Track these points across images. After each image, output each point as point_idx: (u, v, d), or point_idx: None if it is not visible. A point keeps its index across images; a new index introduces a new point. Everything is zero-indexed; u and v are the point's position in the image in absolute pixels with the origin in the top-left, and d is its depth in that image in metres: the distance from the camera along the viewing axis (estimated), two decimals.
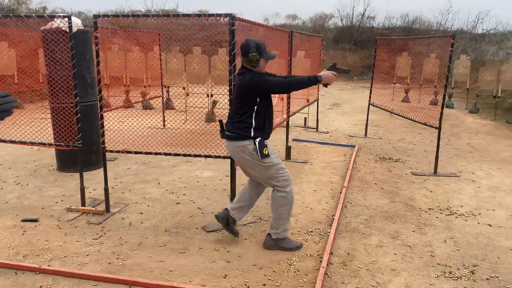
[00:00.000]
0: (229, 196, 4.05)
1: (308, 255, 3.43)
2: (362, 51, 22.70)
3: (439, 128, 5.81)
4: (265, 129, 3.42)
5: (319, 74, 3.43)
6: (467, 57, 20.08)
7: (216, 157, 3.95)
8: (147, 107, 11.01)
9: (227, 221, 3.58)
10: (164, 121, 8.44)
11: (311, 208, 4.43)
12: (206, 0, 38.31)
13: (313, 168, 5.94)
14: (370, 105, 8.36)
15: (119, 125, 5.24)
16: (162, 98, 8.65)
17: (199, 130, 7.69)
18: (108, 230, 3.83)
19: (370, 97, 8.34)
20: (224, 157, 3.87)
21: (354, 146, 7.30)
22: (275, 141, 7.45)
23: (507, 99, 12.25)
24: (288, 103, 6.26)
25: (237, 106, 3.38)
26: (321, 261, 3.27)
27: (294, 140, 7.76)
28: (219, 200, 4.56)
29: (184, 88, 9.42)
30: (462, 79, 13.59)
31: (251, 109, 3.33)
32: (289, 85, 3.42)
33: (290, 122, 9.30)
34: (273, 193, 3.47)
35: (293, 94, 8.98)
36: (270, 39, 5.62)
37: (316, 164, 6.16)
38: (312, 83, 3.40)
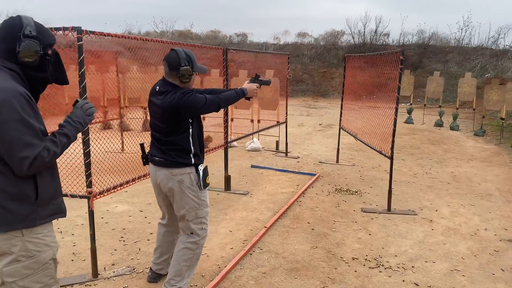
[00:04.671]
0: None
1: None
2: (374, 69, 21.81)
3: (391, 158, 5.01)
4: (202, 153, 2.94)
5: (244, 86, 3.13)
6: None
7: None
8: (125, 128, 10.63)
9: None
10: (122, 144, 7.97)
11: (207, 256, 3.73)
12: (220, 22, 38.67)
13: (249, 202, 5.25)
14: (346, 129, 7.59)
15: None
16: (120, 121, 8.22)
17: None
18: None
19: (340, 120, 7.58)
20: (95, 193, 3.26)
21: (315, 175, 6.54)
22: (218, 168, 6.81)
23: None
24: (226, 126, 5.62)
25: (164, 131, 2.81)
26: None
27: (252, 166, 7.08)
28: (108, 243, 3.95)
29: (145, 109, 9.00)
30: (468, 99, 12.55)
31: (185, 133, 2.81)
32: (220, 103, 2.91)
33: (231, 145, 8.64)
34: (182, 243, 2.94)
35: (261, 114, 8.37)
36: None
37: (257, 197, 5.47)
38: (240, 97, 3.08)
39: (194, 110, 2.77)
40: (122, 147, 7.98)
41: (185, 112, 2.75)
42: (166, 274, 3.23)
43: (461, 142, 10.10)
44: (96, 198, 3.22)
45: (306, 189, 5.78)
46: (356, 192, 5.78)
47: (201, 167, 2.87)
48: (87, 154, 3.11)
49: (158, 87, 2.84)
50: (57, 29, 3.03)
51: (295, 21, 39.89)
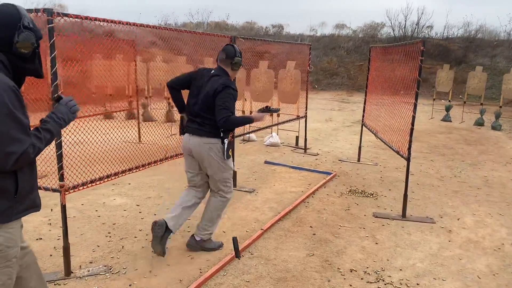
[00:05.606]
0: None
1: None
2: (399, 60, 20.78)
3: (408, 159, 4.53)
4: (229, 132, 3.51)
5: (253, 115, 3.60)
6: None
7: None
8: (148, 119, 10.58)
9: (162, 234, 3.30)
10: (139, 135, 7.88)
11: (192, 258, 3.48)
12: (257, 13, 38.23)
13: (252, 201, 4.96)
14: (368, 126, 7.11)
15: None
16: (138, 111, 8.12)
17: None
18: None
19: (363, 116, 7.10)
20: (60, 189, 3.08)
21: (331, 174, 6.14)
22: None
23: None
24: None
25: (203, 108, 3.35)
26: None
27: (266, 162, 6.77)
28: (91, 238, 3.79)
29: (168, 99, 8.88)
30: None
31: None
32: (237, 124, 3.50)
33: (250, 139, 8.29)
34: (214, 197, 3.56)
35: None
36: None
37: (263, 195, 5.16)
38: (247, 123, 3.70)
39: (220, 105, 3.23)
40: (139, 137, 7.90)
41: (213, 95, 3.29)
42: (164, 235, 3.30)
43: (501, 143, 9.30)
44: (69, 192, 3.04)
45: (317, 189, 5.41)
46: (372, 194, 5.35)
47: (226, 141, 3.38)
48: (58, 146, 2.92)
49: (213, 71, 3.44)
50: (29, 10, 2.84)
51: (334, 13, 38.79)
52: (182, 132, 3.50)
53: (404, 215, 4.57)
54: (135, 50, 7.57)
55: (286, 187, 5.50)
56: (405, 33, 22.25)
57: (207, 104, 3.29)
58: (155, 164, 4.32)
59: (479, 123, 11.75)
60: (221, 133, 3.35)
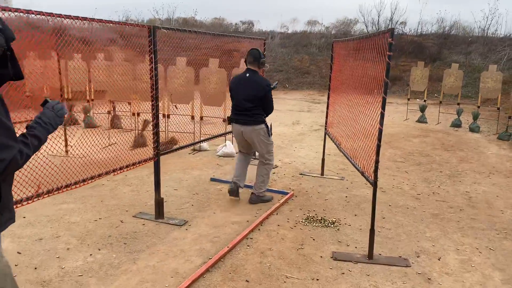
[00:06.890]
0: None
1: None
2: (366, 56, 20.01)
3: (374, 184, 3.49)
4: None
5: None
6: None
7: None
8: (90, 125, 9.31)
9: (237, 190, 4.75)
10: (66, 144, 6.65)
11: None
12: (226, 9, 36.91)
13: (179, 239, 3.84)
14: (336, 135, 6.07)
15: None
16: (70, 115, 6.88)
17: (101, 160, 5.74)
18: None
19: (326, 122, 6.07)
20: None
21: (287, 194, 5.09)
22: (168, 182, 5.39)
23: None
24: (156, 133, 4.19)
25: (252, 103, 4.48)
26: None
27: (212, 180, 5.66)
28: None
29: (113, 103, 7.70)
30: (492, 96, 10.83)
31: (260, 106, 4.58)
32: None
33: (201, 149, 7.15)
34: (262, 165, 4.73)
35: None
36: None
37: (195, 230, 4.05)
38: None
39: (264, 101, 4.51)
40: (66, 149, 6.67)
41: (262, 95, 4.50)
42: (239, 188, 4.82)
43: (481, 148, 8.46)
44: None
45: (266, 217, 4.35)
46: (333, 223, 4.31)
47: (268, 124, 4.63)
48: None
49: (247, 74, 4.54)
50: None
51: (306, 9, 37.68)
52: (229, 122, 4.69)
53: (370, 256, 3.55)
54: (56, 44, 6.29)
55: (229, 216, 4.42)
56: (378, 29, 21.50)
57: (256, 102, 4.45)
58: (68, 189, 3.20)
59: (456, 125, 10.96)
60: (265, 119, 4.58)
